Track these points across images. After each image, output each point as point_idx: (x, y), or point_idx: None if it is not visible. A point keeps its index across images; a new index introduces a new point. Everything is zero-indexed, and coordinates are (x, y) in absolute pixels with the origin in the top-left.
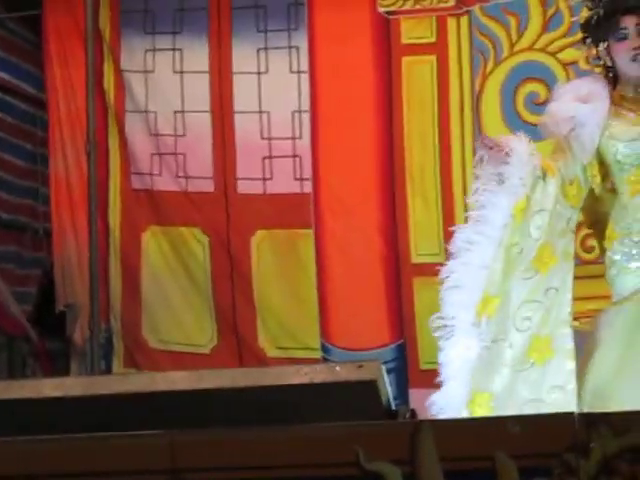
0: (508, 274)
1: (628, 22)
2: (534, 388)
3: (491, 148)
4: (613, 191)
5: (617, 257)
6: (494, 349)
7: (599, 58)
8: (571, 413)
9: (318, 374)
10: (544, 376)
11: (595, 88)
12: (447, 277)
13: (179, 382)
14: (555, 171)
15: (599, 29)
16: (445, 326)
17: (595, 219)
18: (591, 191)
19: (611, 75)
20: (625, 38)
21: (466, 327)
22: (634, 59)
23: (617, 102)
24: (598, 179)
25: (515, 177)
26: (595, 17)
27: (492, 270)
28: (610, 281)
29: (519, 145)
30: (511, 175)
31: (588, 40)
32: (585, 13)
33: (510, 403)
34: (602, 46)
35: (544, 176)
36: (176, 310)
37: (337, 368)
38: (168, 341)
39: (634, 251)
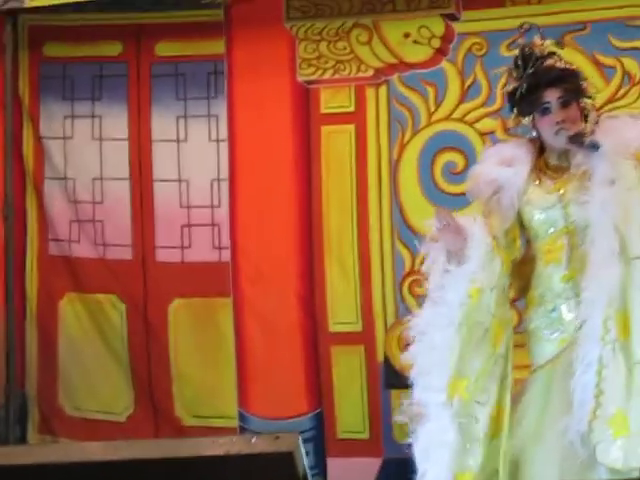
0: (474, 352)
1: (550, 96)
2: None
3: (448, 224)
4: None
5: (532, 325)
6: (464, 427)
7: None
8: None
9: (234, 446)
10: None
11: (518, 152)
12: (414, 362)
13: (95, 453)
14: (500, 248)
15: (523, 102)
16: (416, 412)
17: (523, 285)
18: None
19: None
20: (548, 112)
21: (438, 410)
22: (557, 133)
23: (540, 168)
24: (518, 243)
25: (474, 263)
26: (519, 91)
27: (457, 351)
28: (528, 350)
29: (477, 229)
30: (470, 260)
31: (515, 111)
32: (505, 80)
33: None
34: (528, 119)
35: (494, 255)
36: (92, 377)
37: (253, 440)
38: (84, 409)
39: (547, 320)
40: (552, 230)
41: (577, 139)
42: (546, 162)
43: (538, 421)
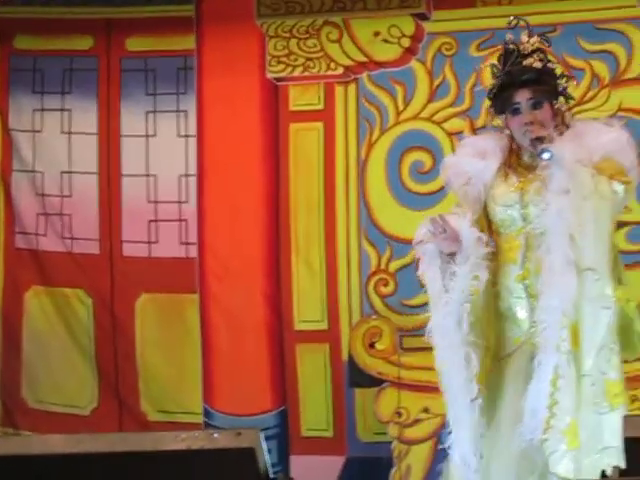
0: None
1: (521, 97)
2: None
3: (444, 231)
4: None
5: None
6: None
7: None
8: None
9: (196, 441)
10: None
11: (492, 146)
12: (439, 361)
13: (57, 446)
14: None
15: (497, 101)
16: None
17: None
18: None
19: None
20: (518, 112)
21: (465, 404)
22: (524, 134)
23: (511, 164)
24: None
25: (472, 262)
26: (494, 89)
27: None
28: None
29: (469, 233)
30: (468, 259)
31: (492, 109)
32: (474, 80)
33: None
34: (501, 118)
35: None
36: (57, 371)
37: (215, 435)
38: (47, 402)
39: (506, 317)
40: (511, 228)
41: (536, 143)
42: (519, 158)
43: (490, 418)
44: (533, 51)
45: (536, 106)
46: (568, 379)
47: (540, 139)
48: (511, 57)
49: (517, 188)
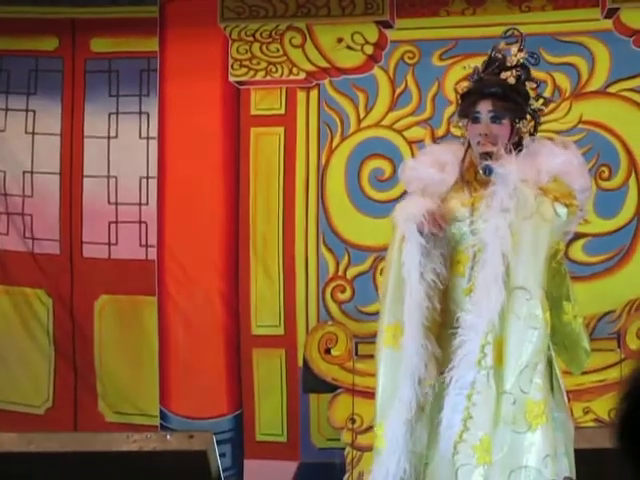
0: None
1: (482, 107)
2: None
3: (440, 228)
4: None
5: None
6: None
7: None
8: None
9: (148, 442)
10: None
11: (452, 159)
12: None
13: (8, 444)
14: None
15: (462, 104)
16: None
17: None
18: None
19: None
20: (477, 121)
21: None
22: (477, 144)
23: (468, 178)
24: None
25: None
26: (465, 91)
27: None
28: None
29: None
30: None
31: (457, 110)
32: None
33: None
34: (462, 122)
35: None
36: (13, 369)
37: (168, 437)
38: (4, 400)
39: (451, 329)
40: (460, 242)
41: (483, 158)
42: (475, 172)
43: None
44: (515, 65)
45: (495, 120)
46: (485, 395)
47: (489, 154)
48: (492, 65)
49: (468, 203)
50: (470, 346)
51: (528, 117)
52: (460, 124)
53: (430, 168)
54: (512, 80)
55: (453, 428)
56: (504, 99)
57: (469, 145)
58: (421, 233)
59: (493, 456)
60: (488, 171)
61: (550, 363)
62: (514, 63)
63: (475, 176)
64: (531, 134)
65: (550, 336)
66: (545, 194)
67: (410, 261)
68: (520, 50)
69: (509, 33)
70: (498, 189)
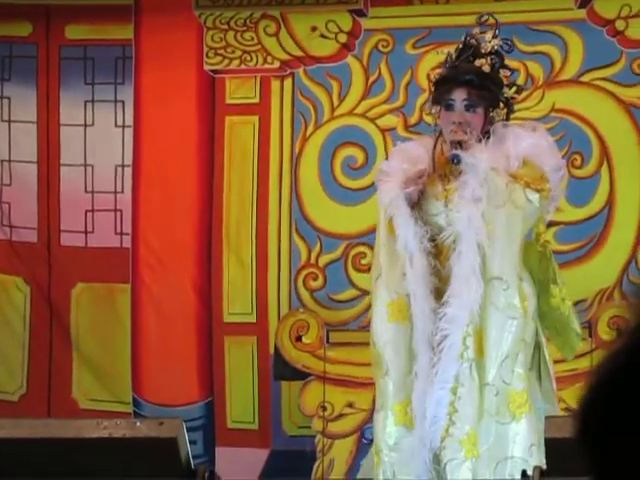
0: None
1: (457, 95)
2: None
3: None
4: None
5: None
6: None
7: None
8: None
9: (118, 429)
10: None
11: (423, 152)
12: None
13: None
14: None
15: (436, 91)
16: None
17: None
18: None
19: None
20: (451, 109)
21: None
22: (450, 132)
23: (440, 170)
24: None
25: None
26: (438, 78)
27: None
28: None
29: None
30: None
31: (430, 96)
32: (409, 77)
33: None
34: (435, 108)
35: None
36: None
37: (138, 424)
38: None
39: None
40: (438, 234)
41: (452, 146)
42: (448, 164)
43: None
44: (490, 53)
45: (469, 109)
46: (469, 387)
47: (460, 143)
48: (466, 52)
49: (442, 196)
50: (452, 339)
51: (501, 105)
52: (433, 111)
53: (402, 165)
54: (487, 68)
55: (439, 422)
56: (479, 87)
57: (440, 133)
58: (408, 202)
59: (479, 448)
60: (456, 160)
61: (539, 349)
62: (488, 50)
63: (448, 168)
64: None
65: (540, 320)
66: (516, 180)
67: (405, 233)
68: (494, 37)
69: (483, 20)
70: (469, 178)
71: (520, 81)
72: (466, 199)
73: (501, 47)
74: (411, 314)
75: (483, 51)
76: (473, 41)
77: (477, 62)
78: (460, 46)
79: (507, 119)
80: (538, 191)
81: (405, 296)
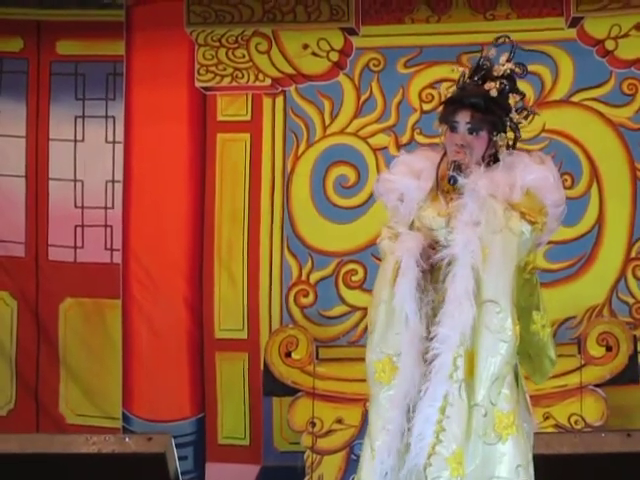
0: None
1: (461, 117)
2: None
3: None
4: None
5: None
6: None
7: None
8: None
9: (107, 445)
10: None
11: (428, 165)
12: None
13: None
14: None
15: (443, 110)
16: None
17: None
18: None
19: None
20: (454, 130)
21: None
22: (452, 152)
23: (444, 187)
24: None
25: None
26: (447, 99)
27: None
28: None
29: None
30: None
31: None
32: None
33: None
34: (442, 128)
35: None
36: None
37: (126, 439)
38: None
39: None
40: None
41: (453, 167)
42: (448, 179)
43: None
44: (501, 76)
45: (472, 132)
46: (457, 407)
47: (458, 164)
48: (477, 73)
49: (445, 213)
50: (443, 359)
51: (507, 130)
52: (439, 129)
53: (405, 177)
54: (494, 92)
55: (425, 439)
56: (484, 111)
57: (445, 152)
58: (419, 267)
59: (466, 468)
60: (453, 181)
61: (516, 374)
62: (500, 73)
63: (449, 185)
64: (510, 147)
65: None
66: (513, 209)
67: (405, 293)
68: (508, 60)
69: (501, 41)
70: (468, 202)
71: (511, 101)
72: (464, 222)
73: (514, 71)
74: (395, 375)
75: (495, 74)
76: (486, 63)
77: (487, 85)
78: (473, 66)
79: (514, 144)
80: (532, 223)
81: (392, 356)
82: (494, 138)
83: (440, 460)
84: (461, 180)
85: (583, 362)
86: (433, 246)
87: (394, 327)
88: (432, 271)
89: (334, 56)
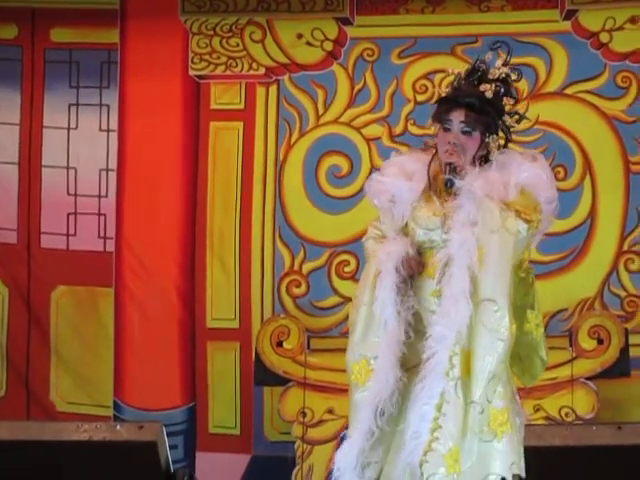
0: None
1: (455, 116)
2: None
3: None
4: None
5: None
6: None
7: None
8: None
9: (98, 432)
10: None
11: (419, 167)
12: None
13: None
14: None
15: (437, 109)
16: None
17: None
18: None
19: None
20: (448, 130)
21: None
22: (444, 152)
23: (437, 188)
24: None
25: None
26: (441, 98)
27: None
28: None
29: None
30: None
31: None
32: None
33: None
34: (435, 126)
35: None
36: None
37: (118, 427)
38: None
39: (417, 330)
40: (431, 247)
41: (447, 169)
42: (442, 180)
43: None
44: (496, 79)
45: (465, 132)
46: (454, 405)
47: (453, 166)
48: (473, 75)
49: (440, 213)
50: (439, 357)
51: (500, 133)
52: (433, 128)
53: (397, 179)
54: (490, 94)
55: (421, 437)
56: (478, 111)
57: (436, 152)
58: (398, 273)
59: (462, 465)
60: (450, 184)
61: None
62: (496, 76)
63: (444, 187)
64: (501, 149)
65: None
66: (508, 208)
67: (384, 298)
68: (504, 64)
69: (497, 46)
70: (464, 203)
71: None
72: (461, 222)
73: (509, 75)
74: (370, 377)
75: (490, 77)
76: (482, 65)
77: (481, 87)
78: (469, 68)
79: (505, 147)
80: (527, 221)
81: (368, 358)
82: (486, 139)
83: (436, 457)
84: (458, 183)
85: (574, 355)
86: (419, 252)
87: (373, 331)
88: (413, 277)
89: (328, 46)
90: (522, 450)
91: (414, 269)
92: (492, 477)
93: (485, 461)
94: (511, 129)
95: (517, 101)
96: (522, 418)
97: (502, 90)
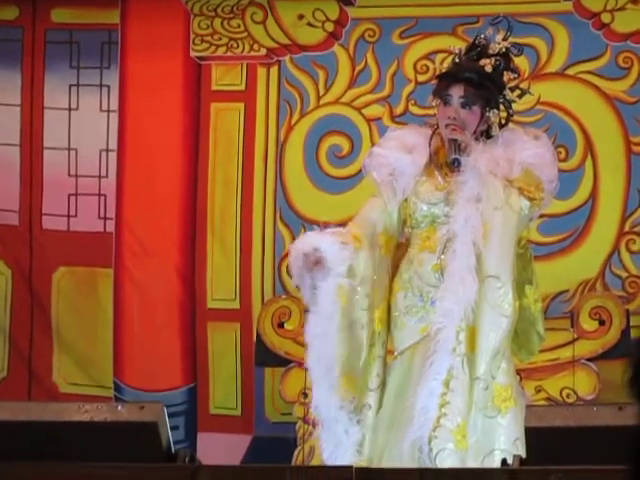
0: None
1: (455, 91)
2: None
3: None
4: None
5: (396, 313)
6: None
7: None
8: (350, 466)
9: (99, 413)
10: None
11: (420, 140)
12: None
13: None
14: (362, 240)
15: (438, 84)
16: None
17: (393, 270)
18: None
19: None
20: (448, 104)
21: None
22: (446, 127)
23: (438, 162)
24: (401, 227)
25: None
26: (441, 73)
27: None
28: (390, 335)
29: (328, 247)
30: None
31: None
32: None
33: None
34: (435, 101)
35: (357, 254)
36: None
37: (119, 408)
38: None
39: (410, 306)
40: (433, 222)
41: (451, 145)
42: (445, 157)
43: (393, 411)
44: (496, 54)
45: (464, 106)
46: (461, 381)
47: (453, 142)
48: (473, 50)
49: (442, 188)
50: (447, 333)
51: (501, 107)
52: (433, 103)
53: (397, 152)
54: (489, 68)
55: (429, 412)
56: (477, 86)
57: (437, 127)
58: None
59: (469, 442)
60: (457, 163)
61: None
62: (496, 51)
63: (445, 161)
64: (502, 125)
65: None
66: (512, 185)
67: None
68: (505, 39)
69: (497, 21)
70: (468, 179)
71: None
72: (465, 199)
73: (509, 50)
74: None
75: (490, 51)
76: (483, 40)
77: (481, 62)
78: (469, 44)
79: (507, 122)
80: (530, 199)
81: None
82: (487, 114)
83: (445, 432)
84: (463, 160)
85: (575, 336)
86: (319, 260)
87: None
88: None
89: (329, 26)
90: (523, 430)
91: (309, 267)
92: (497, 452)
93: (490, 436)
94: (512, 108)
95: (519, 75)
96: (524, 398)
97: (502, 64)
